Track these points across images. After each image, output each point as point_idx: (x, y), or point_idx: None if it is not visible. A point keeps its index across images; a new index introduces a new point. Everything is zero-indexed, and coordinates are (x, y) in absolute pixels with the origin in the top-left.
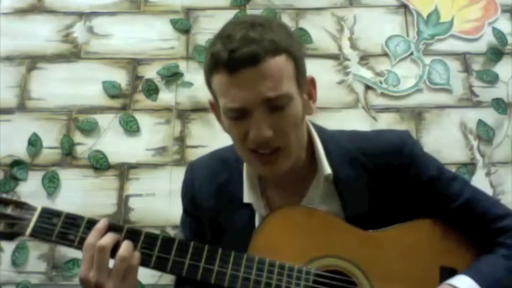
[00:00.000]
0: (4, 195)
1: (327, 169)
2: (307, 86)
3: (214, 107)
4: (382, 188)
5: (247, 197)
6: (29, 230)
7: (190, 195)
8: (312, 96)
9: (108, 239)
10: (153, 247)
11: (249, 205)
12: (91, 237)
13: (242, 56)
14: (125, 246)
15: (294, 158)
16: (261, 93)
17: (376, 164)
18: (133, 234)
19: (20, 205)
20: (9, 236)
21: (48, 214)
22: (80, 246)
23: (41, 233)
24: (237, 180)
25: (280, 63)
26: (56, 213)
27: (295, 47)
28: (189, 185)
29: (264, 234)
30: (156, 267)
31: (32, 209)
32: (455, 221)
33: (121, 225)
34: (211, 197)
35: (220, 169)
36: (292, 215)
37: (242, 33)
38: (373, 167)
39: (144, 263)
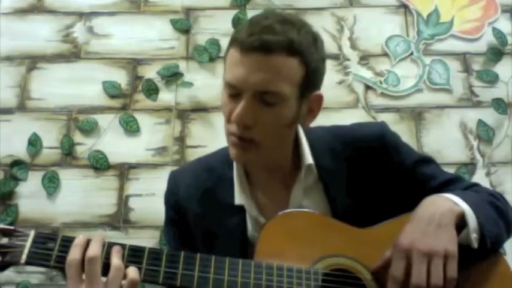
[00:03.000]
0: None
1: (308, 159)
2: (312, 100)
3: None
4: (364, 175)
5: (238, 199)
6: (23, 258)
7: (174, 202)
8: (312, 111)
9: (95, 248)
10: (141, 260)
11: (238, 208)
12: (73, 253)
13: (256, 41)
14: (116, 253)
15: (264, 156)
16: (256, 81)
17: (357, 152)
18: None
19: (9, 232)
20: (0, 267)
21: (42, 239)
22: None
23: (37, 259)
24: (226, 184)
25: (289, 64)
26: (51, 237)
27: (313, 58)
28: (173, 192)
29: (264, 243)
30: (148, 281)
31: (23, 235)
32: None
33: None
34: (198, 203)
35: (205, 175)
36: (288, 221)
37: (268, 23)
38: (354, 155)
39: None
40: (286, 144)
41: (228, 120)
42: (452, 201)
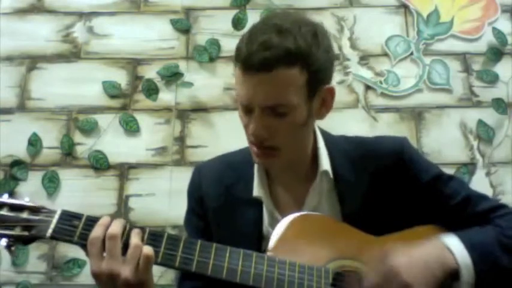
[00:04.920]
0: (20, 201)
1: (324, 166)
2: (322, 94)
3: None
4: (380, 189)
5: (256, 191)
6: (49, 232)
7: (197, 195)
8: (325, 103)
9: (117, 226)
10: (159, 244)
11: (256, 202)
12: (95, 232)
13: (257, 61)
14: (136, 234)
15: (287, 158)
16: (263, 99)
17: (375, 167)
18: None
19: (37, 209)
20: (27, 240)
21: (68, 216)
22: None
23: (62, 234)
24: (245, 180)
25: (290, 73)
26: (76, 216)
27: (315, 56)
28: (196, 186)
29: (278, 241)
30: (164, 264)
31: (50, 212)
32: (453, 218)
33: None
34: (219, 197)
35: (227, 172)
36: (303, 222)
37: (264, 38)
38: (373, 170)
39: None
40: (304, 142)
41: (246, 132)
42: (452, 255)
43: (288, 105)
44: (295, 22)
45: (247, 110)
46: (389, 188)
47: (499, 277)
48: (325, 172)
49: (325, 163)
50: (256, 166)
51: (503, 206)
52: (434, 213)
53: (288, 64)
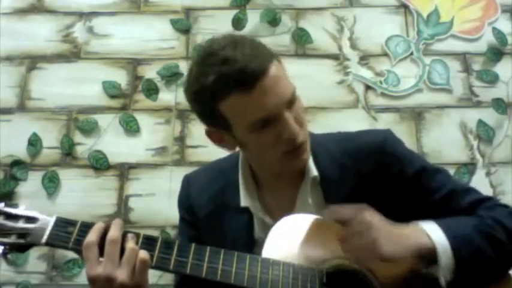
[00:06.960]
0: (16, 210)
1: (313, 171)
2: None
3: (213, 134)
4: (367, 186)
5: (244, 201)
6: (44, 238)
7: (187, 204)
8: None
9: (116, 231)
10: (153, 248)
11: (246, 210)
12: (91, 236)
13: (254, 70)
14: (131, 239)
15: (309, 149)
16: (281, 95)
17: (360, 163)
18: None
19: (32, 217)
20: (22, 248)
21: (63, 223)
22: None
23: (57, 241)
24: (233, 187)
25: (278, 67)
26: (71, 222)
27: (276, 56)
28: (185, 195)
29: (271, 244)
30: (159, 267)
31: (45, 219)
32: (438, 211)
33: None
34: (208, 204)
35: (216, 178)
36: (295, 224)
37: (238, 52)
38: (358, 166)
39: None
40: None
41: (273, 148)
42: (429, 238)
43: (294, 92)
44: (238, 38)
45: (267, 123)
46: (376, 183)
47: (479, 265)
48: (314, 178)
49: (312, 169)
50: (240, 174)
51: (489, 199)
52: (420, 206)
53: (272, 60)
